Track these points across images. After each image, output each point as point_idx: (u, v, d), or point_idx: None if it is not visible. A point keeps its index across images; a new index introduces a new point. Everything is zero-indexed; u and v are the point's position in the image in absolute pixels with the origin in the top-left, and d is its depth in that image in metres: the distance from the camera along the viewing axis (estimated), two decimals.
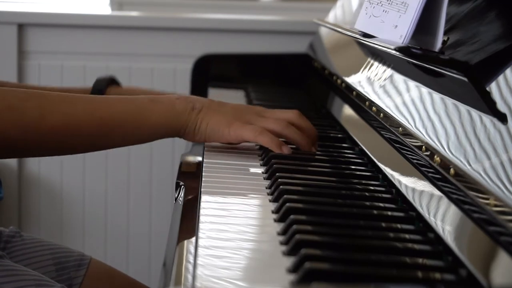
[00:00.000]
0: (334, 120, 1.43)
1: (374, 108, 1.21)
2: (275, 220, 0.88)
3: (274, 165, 1.07)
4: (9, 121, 1.02)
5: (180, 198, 0.99)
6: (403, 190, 0.95)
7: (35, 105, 1.04)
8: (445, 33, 1.06)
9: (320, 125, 1.42)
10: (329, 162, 1.15)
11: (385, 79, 1.23)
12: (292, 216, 0.84)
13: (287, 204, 0.89)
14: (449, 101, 0.97)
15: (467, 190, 0.81)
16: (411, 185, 0.94)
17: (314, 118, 1.50)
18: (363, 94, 1.28)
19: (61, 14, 2.32)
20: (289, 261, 0.75)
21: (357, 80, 1.37)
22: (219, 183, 1.02)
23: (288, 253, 0.77)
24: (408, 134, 1.03)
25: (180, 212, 0.93)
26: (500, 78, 0.89)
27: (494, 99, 0.86)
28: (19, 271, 1.14)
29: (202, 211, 0.89)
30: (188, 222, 0.87)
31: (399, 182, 0.97)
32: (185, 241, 0.81)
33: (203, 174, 1.06)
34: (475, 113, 0.89)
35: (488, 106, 0.85)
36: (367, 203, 0.94)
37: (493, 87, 0.88)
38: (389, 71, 1.23)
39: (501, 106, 0.85)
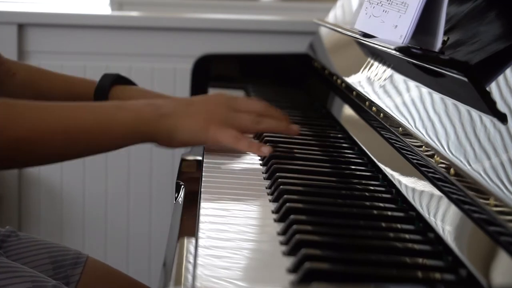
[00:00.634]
0: (334, 120, 1.43)
1: (374, 108, 1.21)
2: (275, 220, 0.88)
3: (274, 165, 1.07)
4: None
5: (180, 198, 0.99)
6: (403, 190, 0.95)
7: (0, 111, 1.01)
8: (445, 33, 1.06)
9: (320, 125, 1.42)
10: (329, 162, 1.15)
11: (385, 79, 1.23)
12: (292, 216, 0.85)
13: (287, 204, 0.89)
14: (449, 101, 0.97)
15: (467, 190, 0.81)
16: (411, 185, 0.94)
17: (314, 118, 1.50)
18: (363, 94, 1.28)
19: (61, 14, 2.32)
20: (289, 261, 0.75)
21: (357, 80, 1.37)
22: (219, 183, 1.02)
23: (288, 253, 0.77)
24: (408, 134, 1.03)
25: (180, 212, 0.93)
26: (500, 78, 0.89)
27: (494, 99, 0.86)
28: (14, 268, 1.14)
29: (202, 211, 0.89)
30: (188, 222, 0.87)
31: (399, 182, 0.97)
32: (185, 241, 0.81)
33: (203, 174, 1.06)
34: (475, 113, 0.89)
35: (488, 106, 0.85)
36: (367, 203, 0.94)
37: (493, 87, 0.88)
38: (389, 71, 1.23)
39: (501, 106, 0.85)
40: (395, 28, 1.13)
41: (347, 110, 1.40)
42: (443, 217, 0.82)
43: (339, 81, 1.50)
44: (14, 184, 2.29)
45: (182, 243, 0.80)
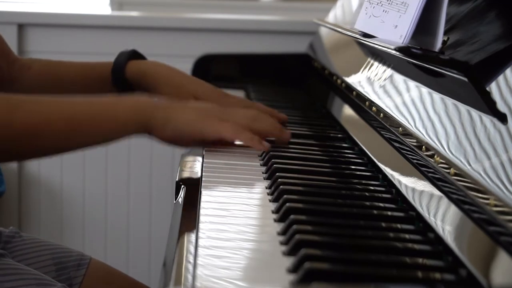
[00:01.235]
0: (334, 120, 1.43)
1: (374, 108, 1.21)
2: (275, 220, 0.88)
3: (274, 165, 1.07)
4: None
5: (180, 198, 0.99)
6: (403, 190, 0.95)
7: (3, 105, 1.02)
8: (445, 33, 1.06)
9: (320, 125, 1.42)
10: (329, 162, 1.15)
11: (385, 79, 1.23)
12: (292, 216, 0.85)
13: (287, 204, 0.89)
14: (449, 101, 0.97)
15: (467, 190, 0.81)
16: (411, 185, 0.94)
17: (314, 118, 1.50)
18: (363, 94, 1.28)
19: (61, 14, 2.32)
20: (289, 261, 0.75)
21: (357, 80, 1.37)
22: (219, 183, 1.02)
23: (288, 253, 0.77)
24: (408, 134, 1.03)
25: (180, 212, 0.93)
26: (500, 78, 0.89)
27: (494, 99, 0.86)
28: (20, 270, 1.14)
29: (202, 211, 0.89)
30: (188, 222, 0.87)
31: (399, 182, 0.97)
32: (185, 241, 0.81)
33: (203, 174, 1.06)
34: (475, 113, 0.89)
35: (488, 106, 0.85)
36: (367, 203, 0.94)
37: (493, 87, 0.88)
38: (389, 71, 1.23)
39: (501, 106, 0.85)
40: (395, 28, 1.13)
41: (347, 110, 1.40)
42: (443, 217, 0.82)
43: (339, 81, 1.50)
44: (14, 184, 2.29)
45: (182, 243, 0.80)
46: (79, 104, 1.08)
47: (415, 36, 1.10)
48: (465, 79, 0.88)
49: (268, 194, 0.98)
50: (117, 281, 1.33)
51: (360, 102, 1.30)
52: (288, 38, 2.25)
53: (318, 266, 0.71)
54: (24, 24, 2.26)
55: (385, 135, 1.13)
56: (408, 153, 1.01)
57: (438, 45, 1.06)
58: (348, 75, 1.45)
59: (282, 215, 0.88)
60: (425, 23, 1.09)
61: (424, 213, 0.86)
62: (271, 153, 1.13)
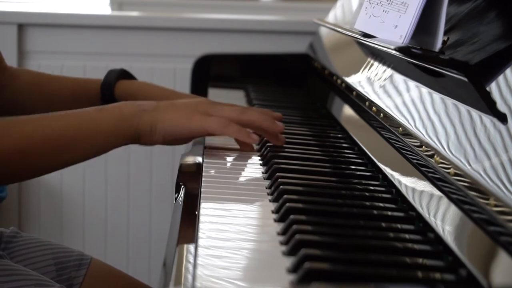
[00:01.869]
0: (334, 120, 1.43)
1: (374, 108, 1.21)
2: (275, 220, 0.88)
3: (274, 165, 1.07)
4: None
5: (180, 198, 0.99)
6: (403, 190, 0.95)
7: None
8: (445, 33, 1.06)
9: (320, 125, 1.42)
10: (329, 162, 1.15)
11: (385, 79, 1.23)
12: (292, 216, 0.85)
13: (287, 204, 0.89)
14: (449, 101, 0.97)
15: (467, 190, 0.81)
16: (411, 185, 0.94)
17: (314, 118, 1.50)
18: (363, 94, 1.28)
19: (61, 14, 2.32)
20: (289, 261, 0.75)
21: (357, 80, 1.37)
22: (219, 183, 1.02)
23: (288, 253, 0.77)
24: (408, 134, 1.03)
25: (180, 212, 0.93)
26: (500, 78, 0.89)
27: (494, 99, 0.86)
28: (18, 271, 1.14)
29: (202, 211, 0.89)
30: (188, 222, 0.87)
31: (399, 182, 0.97)
32: (185, 241, 0.81)
33: (203, 174, 1.06)
34: (475, 113, 0.89)
35: (488, 106, 0.85)
36: (367, 203, 0.94)
37: (493, 87, 0.88)
38: (389, 71, 1.23)
39: (501, 106, 0.85)
40: (395, 28, 1.13)
41: (347, 110, 1.40)
42: (443, 217, 0.82)
43: (339, 81, 1.50)
44: (15, 184, 2.29)
45: (182, 243, 0.80)
46: (62, 121, 1.06)
47: (415, 36, 1.10)
48: (465, 79, 0.88)
49: (268, 194, 0.98)
50: (117, 281, 1.33)
51: (360, 102, 1.30)
52: (288, 38, 2.25)
53: (318, 266, 0.71)
54: (24, 24, 2.26)
55: (385, 135, 1.13)
56: (408, 153, 1.01)
57: (438, 45, 1.06)
58: (348, 75, 1.45)
59: (282, 215, 0.88)
60: (425, 23, 1.09)
61: (424, 213, 0.86)
62: (271, 153, 1.13)
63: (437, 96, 1.01)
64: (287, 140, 1.22)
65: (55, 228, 2.32)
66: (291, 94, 1.81)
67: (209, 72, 1.96)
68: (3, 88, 1.34)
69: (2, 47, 2.22)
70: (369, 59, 1.38)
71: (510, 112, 0.83)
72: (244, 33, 2.29)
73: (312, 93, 1.80)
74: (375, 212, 0.92)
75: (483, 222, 0.75)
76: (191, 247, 0.78)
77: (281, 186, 0.96)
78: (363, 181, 1.05)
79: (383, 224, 0.87)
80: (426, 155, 0.94)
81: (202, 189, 0.98)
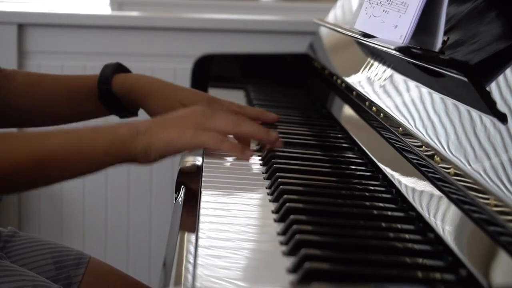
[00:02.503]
0: (334, 120, 1.43)
1: (374, 108, 1.21)
2: (275, 220, 0.88)
3: (274, 165, 1.07)
4: None
5: (180, 198, 0.99)
6: (403, 190, 0.95)
7: None
8: (445, 33, 1.06)
9: (320, 125, 1.42)
10: (329, 162, 1.15)
11: (385, 79, 1.23)
12: (292, 216, 0.84)
13: (287, 204, 0.89)
14: (449, 101, 0.97)
15: (467, 190, 0.81)
16: (411, 185, 0.94)
17: (314, 118, 1.50)
18: (363, 94, 1.28)
19: (61, 14, 2.32)
20: (289, 261, 0.75)
21: (357, 80, 1.37)
22: (219, 183, 1.02)
23: (288, 253, 0.77)
24: (408, 134, 1.03)
25: (180, 212, 0.93)
26: (500, 78, 0.89)
27: (494, 99, 0.86)
28: (16, 271, 1.14)
29: (202, 211, 0.89)
30: (188, 222, 0.87)
31: (399, 182, 0.97)
32: (185, 241, 0.81)
33: (203, 174, 1.06)
34: (475, 113, 0.89)
35: (488, 106, 0.85)
36: (367, 203, 0.94)
37: (493, 87, 0.88)
38: (389, 71, 1.23)
39: (501, 106, 0.85)
40: (395, 28, 1.13)
41: (347, 110, 1.40)
42: (443, 217, 0.82)
43: (339, 81, 1.50)
44: None
45: (182, 243, 0.80)
46: (54, 140, 1.04)
47: (415, 36, 1.10)
48: (465, 79, 0.88)
49: (268, 194, 0.98)
50: (116, 280, 1.33)
51: (360, 102, 1.30)
52: (288, 38, 2.25)
53: (318, 266, 0.71)
54: (24, 24, 2.26)
55: (385, 135, 1.13)
56: (408, 153, 1.01)
57: (438, 45, 1.06)
58: (348, 75, 1.45)
59: (282, 215, 0.88)
60: (425, 23, 1.09)
61: (424, 213, 0.86)
62: (271, 153, 1.13)
63: (437, 96, 1.01)
64: (287, 140, 1.22)
65: (55, 228, 2.32)
66: (291, 94, 1.81)
67: (209, 72, 1.96)
68: None
69: (2, 47, 2.23)
70: (369, 59, 1.38)
71: (510, 112, 0.83)
72: (244, 33, 2.29)
73: (312, 93, 1.80)
74: (375, 212, 0.92)
75: (483, 222, 0.75)
76: (191, 247, 0.78)
77: (281, 186, 0.96)
78: (363, 181, 1.05)
79: (383, 224, 0.87)
80: (426, 155, 0.94)
81: (202, 189, 0.98)
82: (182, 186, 1.02)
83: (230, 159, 1.15)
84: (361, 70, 1.38)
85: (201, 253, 0.76)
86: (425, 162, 0.94)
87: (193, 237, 0.81)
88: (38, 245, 1.28)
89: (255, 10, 2.58)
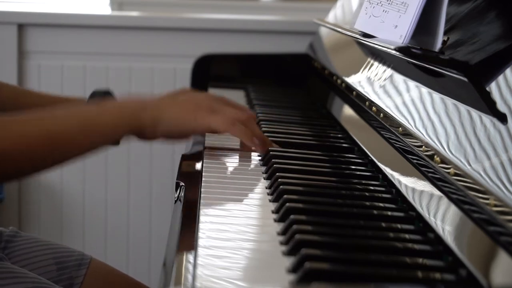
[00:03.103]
0: (334, 120, 1.43)
1: (374, 108, 1.21)
2: (275, 220, 0.88)
3: (274, 165, 1.07)
4: None
5: (180, 198, 0.99)
6: (403, 190, 0.95)
7: None
8: (445, 33, 1.06)
9: (320, 125, 1.42)
10: (329, 162, 1.15)
11: (385, 79, 1.23)
12: (292, 216, 0.84)
13: (287, 204, 0.89)
14: (449, 101, 0.97)
15: (467, 190, 0.81)
16: (411, 185, 0.94)
17: (314, 118, 1.50)
18: (363, 94, 1.28)
19: (61, 14, 2.32)
20: (289, 261, 0.75)
21: (357, 80, 1.37)
22: (219, 183, 1.02)
23: (288, 253, 0.77)
24: (408, 134, 1.03)
25: (180, 212, 0.93)
26: (500, 78, 0.89)
27: (494, 99, 0.86)
28: (17, 273, 1.14)
29: (202, 211, 0.89)
30: (188, 222, 0.87)
31: (399, 182, 0.97)
32: (185, 241, 0.81)
33: (203, 174, 1.06)
34: (475, 113, 0.89)
35: (488, 106, 0.85)
36: (367, 203, 0.94)
37: (493, 87, 0.88)
38: (389, 71, 1.23)
39: (501, 106, 0.85)
40: (395, 28, 1.13)
41: (347, 110, 1.40)
42: (443, 217, 0.82)
43: (339, 81, 1.50)
44: (14, 185, 2.29)
45: (182, 243, 0.80)
46: (62, 120, 1.05)
47: (415, 36, 1.10)
48: (465, 79, 0.88)
49: (268, 194, 0.98)
50: (117, 281, 1.33)
51: (360, 102, 1.30)
52: (288, 38, 2.25)
53: (318, 266, 0.71)
54: (24, 24, 2.26)
55: (385, 135, 1.13)
56: (408, 153, 1.01)
57: (438, 45, 1.06)
58: (348, 75, 1.45)
59: (282, 215, 0.88)
60: (425, 23, 1.09)
61: (424, 213, 0.86)
62: (271, 153, 1.13)
63: (437, 96, 1.01)
64: (287, 140, 1.22)
65: (55, 228, 2.32)
66: (291, 94, 1.81)
67: (209, 72, 1.96)
68: None
69: (2, 47, 2.23)
70: (369, 59, 1.38)
71: (510, 112, 0.83)
72: (244, 33, 2.28)
73: (312, 93, 1.80)
74: (375, 212, 0.92)
75: (483, 222, 0.75)
76: (191, 247, 0.78)
77: (281, 186, 0.96)
78: (363, 181, 1.05)
79: (383, 224, 0.87)
80: (426, 155, 0.94)
81: (202, 189, 0.98)
82: (182, 186, 1.02)
83: (230, 159, 1.15)
84: (361, 70, 1.38)
85: (201, 253, 0.76)
86: (425, 162, 0.94)
87: (193, 237, 0.81)
88: (40, 246, 1.28)
89: (255, 10, 2.57)
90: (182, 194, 1.00)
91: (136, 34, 2.28)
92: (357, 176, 1.08)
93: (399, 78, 1.19)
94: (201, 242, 0.79)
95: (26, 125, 1.04)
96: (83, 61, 2.27)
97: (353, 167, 1.13)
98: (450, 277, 0.73)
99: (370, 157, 1.13)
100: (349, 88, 1.39)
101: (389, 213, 0.92)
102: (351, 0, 1.72)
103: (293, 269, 0.72)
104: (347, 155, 1.20)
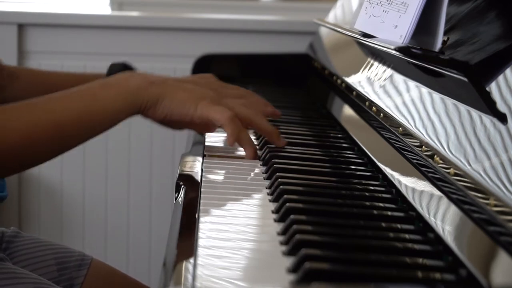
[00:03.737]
0: (334, 120, 1.43)
1: (374, 108, 1.21)
2: (275, 220, 0.88)
3: (274, 165, 1.07)
4: None
5: (180, 198, 0.99)
6: (403, 190, 0.95)
7: None
8: (445, 33, 1.06)
9: (320, 125, 1.42)
10: (329, 162, 1.15)
11: (385, 79, 1.23)
12: (292, 216, 0.84)
13: (287, 204, 0.89)
14: (449, 101, 0.97)
15: (467, 190, 0.81)
16: (411, 185, 0.94)
17: (314, 118, 1.50)
18: (363, 94, 1.28)
19: (61, 14, 2.32)
20: (289, 261, 0.75)
21: (357, 80, 1.37)
22: (219, 183, 1.02)
23: (288, 253, 0.77)
24: (408, 134, 1.03)
25: (180, 212, 0.93)
26: (500, 78, 0.89)
27: (494, 99, 0.86)
28: (18, 274, 1.14)
29: (202, 211, 0.89)
30: (188, 222, 0.87)
31: (399, 182, 0.97)
32: (185, 241, 0.81)
33: (203, 174, 1.06)
34: (475, 113, 0.89)
35: (488, 106, 0.85)
36: (367, 203, 0.94)
37: (493, 87, 0.88)
38: (389, 71, 1.23)
39: (501, 106, 0.85)
40: (395, 28, 1.13)
41: (347, 110, 1.40)
42: (443, 217, 0.82)
43: (339, 81, 1.50)
44: (14, 184, 2.29)
45: (182, 243, 0.80)
46: (66, 104, 1.05)
47: (415, 36, 1.10)
48: (465, 79, 0.88)
49: (268, 194, 0.98)
50: (118, 281, 1.33)
51: (360, 102, 1.30)
52: (288, 38, 2.25)
53: (318, 266, 0.71)
54: (24, 24, 2.26)
55: (385, 135, 1.13)
56: (408, 153, 1.01)
57: (438, 45, 1.06)
58: (348, 75, 1.45)
59: (282, 215, 0.88)
60: (425, 23, 1.09)
61: (424, 213, 0.86)
62: (271, 153, 1.13)
63: (437, 96, 1.01)
64: (287, 140, 1.22)
65: (55, 228, 2.32)
66: (291, 94, 1.81)
67: (209, 72, 1.96)
68: (2, 89, 1.33)
69: (2, 47, 2.23)
70: (369, 59, 1.38)
71: (510, 112, 0.83)
72: (244, 33, 2.29)
73: (312, 93, 1.80)
74: (375, 212, 0.92)
75: (483, 222, 0.75)
76: (191, 247, 0.78)
77: (281, 186, 0.96)
78: (363, 181, 1.05)
79: (383, 224, 0.87)
80: (426, 155, 0.94)
81: (202, 189, 0.98)
82: (182, 186, 1.02)
83: (230, 159, 1.15)
84: (361, 70, 1.38)
85: (201, 253, 0.76)
86: (425, 162, 0.94)
87: (193, 237, 0.81)
88: (41, 246, 1.28)
89: (255, 10, 2.58)
90: (182, 194, 1.00)
91: (136, 34, 2.28)
92: (357, 176, 1.08)
93: (399, 78, 1.19)
94: (201, 242, 0.79)
95: (30, 113, 1.02)
96: (83, 61, 2.27)
97: (353, 167, 1.13)
98: (450, 277, 0.73)
99: (370, 157, 1.13)
100: (349, 88, 1.39)
101: (389, 213, 0.92)
102: (351, 0, 1.72)
103: (293, 269, 0.72)
104: (347, 155, 1.20)
